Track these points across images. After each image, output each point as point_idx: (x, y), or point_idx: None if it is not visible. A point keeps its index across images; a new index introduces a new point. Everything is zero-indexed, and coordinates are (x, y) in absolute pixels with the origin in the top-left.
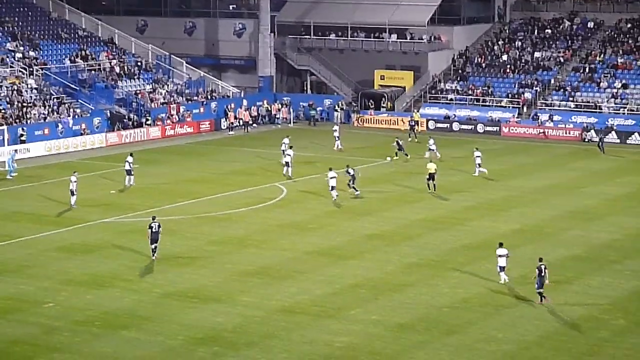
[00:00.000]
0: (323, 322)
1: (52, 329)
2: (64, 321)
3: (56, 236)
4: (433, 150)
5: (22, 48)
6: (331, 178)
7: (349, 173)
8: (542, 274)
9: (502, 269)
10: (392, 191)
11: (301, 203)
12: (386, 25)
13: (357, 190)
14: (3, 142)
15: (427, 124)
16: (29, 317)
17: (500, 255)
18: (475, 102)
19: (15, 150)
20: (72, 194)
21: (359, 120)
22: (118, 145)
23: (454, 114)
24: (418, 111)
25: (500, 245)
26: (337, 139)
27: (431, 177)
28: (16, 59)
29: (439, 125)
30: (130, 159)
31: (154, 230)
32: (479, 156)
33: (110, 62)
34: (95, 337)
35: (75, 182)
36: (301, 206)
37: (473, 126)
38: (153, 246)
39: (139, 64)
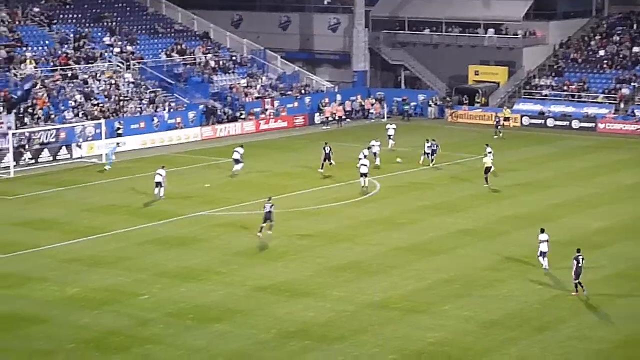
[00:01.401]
0: (414, 317)
1: (147, 320)
2: (158, 313)
3: (151, 229)
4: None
5: (119, 43)
6: (362, 165)
7: (429, 146)
8: (579, 265)
9: (544, 254)
10: (482, 187)
11: (393, 198)
12: (481, 20)
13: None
14: (100, 136)
15: (521, 119)
16: (125, 308)
17: (542, 241)
18: (570, 98)
19: (118, 144)
20: (159, 185)
21: (453, 116)
22: (212, 139)
23: (549, 110)
24: (509, 108)
25: (542, 230)
26: (390, 137)
27: (487, 170)
28: (114, 53)
29: (533, 121)
30: (240, 150)
31: (266, 210)
32: (490, 152)
33: (205, 57)
34: (188, 329)
35: (162, 175)
36: (393, 201)
37: (568, 122)
38: (264, 224)
39: (234, 58)
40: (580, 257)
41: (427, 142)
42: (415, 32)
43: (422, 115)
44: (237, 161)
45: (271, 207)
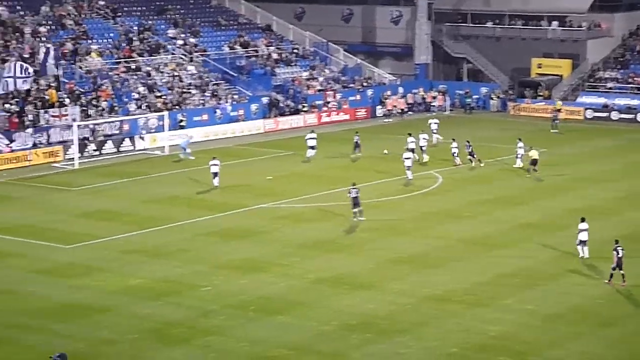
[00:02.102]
0: (476, 311)
1: (208, 312)
2: (219, 305)
3: (212, 221)
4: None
5: (183, 35)
6: (406, 159)
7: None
8: (619, 256)
9: (583, 243)
10: (545, 179)
11: (455, 191)
12: (544, 12)
13: (474, 162)
14: (163, 128)
15: (584, 112)
16: (186, 299)
17: (581, 230)
18: (635, 91)
19: (191, 136)
20: (216, 175)
21: (515, 109)
22: (275, 132)
23: (613, 103)
24: (560, 100)
25: (583, 220)
26: (435, 131)
27: (534, 162)
28: (177, 45)
29: (597, 114)
30: (314, 134)
31: (352, 195)
32: (521, 147)
33: (267, 49)
34: (249, 321)
35: (217, 165)
36: (455, 194)
37: (633, 115)
38: (355, 210)
39: (296, 50)
40: (619, 248)
41: (467, 144)
42: (478, 25)
43: (485, 109)
44: (312, 147)
45: (357, 192)
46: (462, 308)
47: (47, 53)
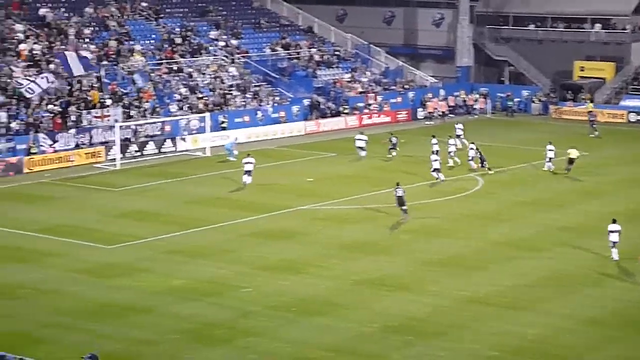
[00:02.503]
0: (514, 314)
1: (249, 313)
2: (260, 306)
3: (253, 222)
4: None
5: (224, 37)
6: (434, 161)
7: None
8: None
9: (614, 244)
10: (585, 182)
11: (495, 194)
12: (587, 15)
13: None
14: (204, 129)
15: (627, 116)
16: (227, 300)
17: (612, 231)
18: None
19: (236, 138)
20: (249, 173)
21: (557, 112)
22: (316, 134)
23: None
24: (591, 102)
25: (614, 221)
26: (459, 137)
27: (571, 161)
28: (219, 47)
29: None
30: (363, 136)
31: (398, 194)
32: (551, 150)
33: (309, 51)
34: (290, 322)
35: (251, 163)
36: (495, 197)
37: None
38: (402, 208)
39: (338, 53)
40: None
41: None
42: (520, 28)
43: (526, 112)
44: (361, 148)
45: (403, 191)
46: (500, 311)
47: (64, 57)
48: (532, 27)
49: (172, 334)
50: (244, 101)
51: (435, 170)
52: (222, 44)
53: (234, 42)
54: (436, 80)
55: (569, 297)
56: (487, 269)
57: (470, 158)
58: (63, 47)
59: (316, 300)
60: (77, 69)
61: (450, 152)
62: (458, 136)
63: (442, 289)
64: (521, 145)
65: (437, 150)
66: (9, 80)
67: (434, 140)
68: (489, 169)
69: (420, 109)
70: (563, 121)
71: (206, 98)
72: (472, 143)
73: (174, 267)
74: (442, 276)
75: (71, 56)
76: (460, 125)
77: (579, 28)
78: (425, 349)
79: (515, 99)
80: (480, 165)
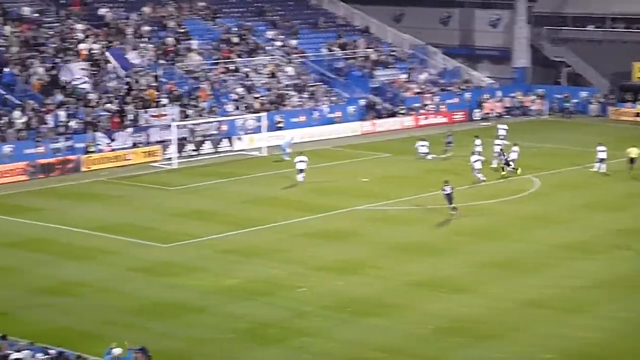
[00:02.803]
0: (570, 317)
1: (303, 313)
2: (314, 306)
3: (308, 222)
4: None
5: (281, 37)
6: (475, 161)
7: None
8: None
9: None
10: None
11: (551, 196)
12: None
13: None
14: (261, 129)
15: None
16: (281, 300)
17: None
18: None
19: (292, 138)
20: (301, 171)
21: (616, 113)
22: (372, 134)
23: None
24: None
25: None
26: (502, 138)
27: (632, 161)
28: (276, 47)
29: None
30: (425, 142)
31: (446, 192)
32: (602, 151)
33: (366, 51)
34: (344, 322)
35: (304, 162)
36: (551, 199)
37: None
38: (449, 205)
39: (394, 53)
40: None
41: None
42: (578, 28)
43: (583, 113)
44: (427, 154)
45: (451, 189)
46: (557, 313)
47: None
48: (591, 27)
49: (226, 333)
50: (300, 101)
51: (476, 170)
52: (279, 43)
53: (291, 42)
54: (492, 81)
55: (628, 301)
56: (543, 271)
57: (509, 159)
58: (121, 46)
59: (370, 301)
60: (126, 68)
61: (495, 154)
62: (501, 137)
63: (496, 290)
64: (577, 147)
65: (480, 151)
66: (67, 80)
67: (478, 141)
68: (515, 169)
69: (476, 110)
70: (622, 123)
71: (262, 98)
72: (515, 145)
73: (229, 267)
74: (497, 278)
75: (115, 57)
76: (504, 126)
77: (639, 29)
78: (480, 351)
79: (573, 100)
80: (505, 167)
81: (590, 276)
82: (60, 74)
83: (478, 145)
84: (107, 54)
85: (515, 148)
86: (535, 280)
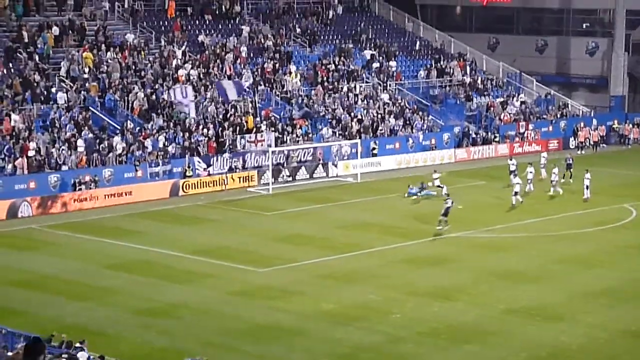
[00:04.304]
0: None
1: (397, 338)
2: (408, 332)
3: (404, 248)
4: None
5: (377, 63)
6: (516, 184)
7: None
8: None
9: None
10: None
11: None
12: None
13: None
14: (356, 155)
15: None
16: (376, 325)
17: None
18: None
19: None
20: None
21: None
22: (466, 162)
23: None
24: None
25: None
26: (542, 166)
27: None
28: (372, 73)
29: None
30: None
31: (447, 205)
32: None
33: (461, 79)
34: (439, 349)
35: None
36: None
37: None
38: (443, 218)
39: (490, 80)
40: None
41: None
42: None
43: None
44: (513, 172)
45: (452, 203)
46: None
47: (220, 85)
48: None
49: (323, 357)
50: (395, 127)
51: (515, 193)
52: (375, 69)
53: (387, 68)
54: (588, 109)
55: None
56: None
57: (585, 187)
58: (219, 72)
59: (465, 328)
60: (232, 94)
61: (552, 182)
62: (541, 166)
63: (595, 320)
64: None
65: (516, 174)
66: (166, 104)
67: (530, 169)
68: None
69: (571, 138)
70: None
71: (358, 124)
72: (587, 171)
73: (325, 291)
74: (596, 307)
75: (227, 83)
76: (544, 154)
77: None
78: None
79: None
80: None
81: None
82: (167, 95)
83: (513, 163)
84: (213, 85)
85: (588, 175)
86: (636, 310)
